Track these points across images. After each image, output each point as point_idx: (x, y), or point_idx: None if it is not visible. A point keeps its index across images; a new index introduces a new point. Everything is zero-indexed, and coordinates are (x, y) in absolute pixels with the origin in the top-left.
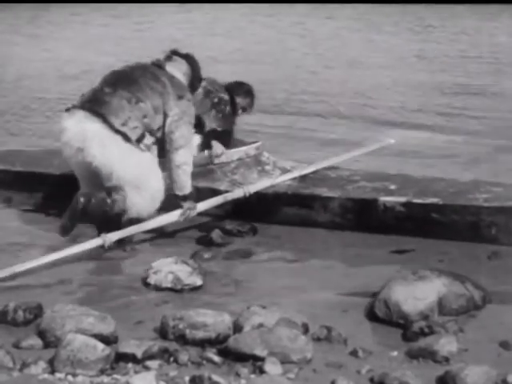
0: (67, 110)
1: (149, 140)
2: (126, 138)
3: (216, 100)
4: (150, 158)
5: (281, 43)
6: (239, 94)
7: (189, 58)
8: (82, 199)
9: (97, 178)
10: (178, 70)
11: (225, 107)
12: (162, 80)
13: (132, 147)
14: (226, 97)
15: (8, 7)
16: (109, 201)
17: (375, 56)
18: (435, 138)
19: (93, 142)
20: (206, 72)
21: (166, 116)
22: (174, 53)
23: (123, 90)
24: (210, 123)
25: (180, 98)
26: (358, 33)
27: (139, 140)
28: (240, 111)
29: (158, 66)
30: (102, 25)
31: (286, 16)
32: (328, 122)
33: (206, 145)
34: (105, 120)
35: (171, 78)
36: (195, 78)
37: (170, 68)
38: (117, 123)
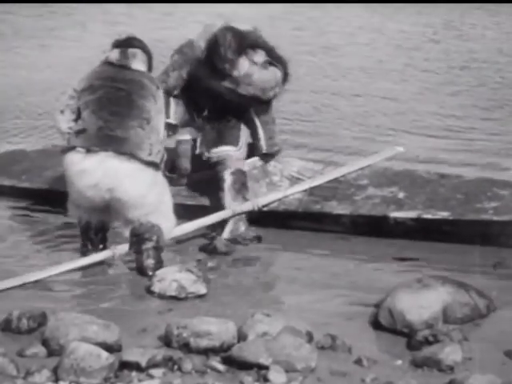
0: (67, 150)
1: (165, 156)
2: (155, 165)
3: None
4: (161, 175)
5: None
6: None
7: (137, 42)
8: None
9: (108, 207)
10: (141, 62)
11: None
12: (143, 83)
13: (158, 172)
14: None
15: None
16: (153, 243)
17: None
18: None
19: (125, 180)
20: None
21: None
22: (121, 45)
23: (130, 119)
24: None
25: (158, 88)
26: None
27: (162, 160)
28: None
29: (125, 67)
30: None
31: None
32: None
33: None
34: (132, 156)
35: (142, 74)
36: (150, 58)
37: (136, 65)
38: (144, 155)
